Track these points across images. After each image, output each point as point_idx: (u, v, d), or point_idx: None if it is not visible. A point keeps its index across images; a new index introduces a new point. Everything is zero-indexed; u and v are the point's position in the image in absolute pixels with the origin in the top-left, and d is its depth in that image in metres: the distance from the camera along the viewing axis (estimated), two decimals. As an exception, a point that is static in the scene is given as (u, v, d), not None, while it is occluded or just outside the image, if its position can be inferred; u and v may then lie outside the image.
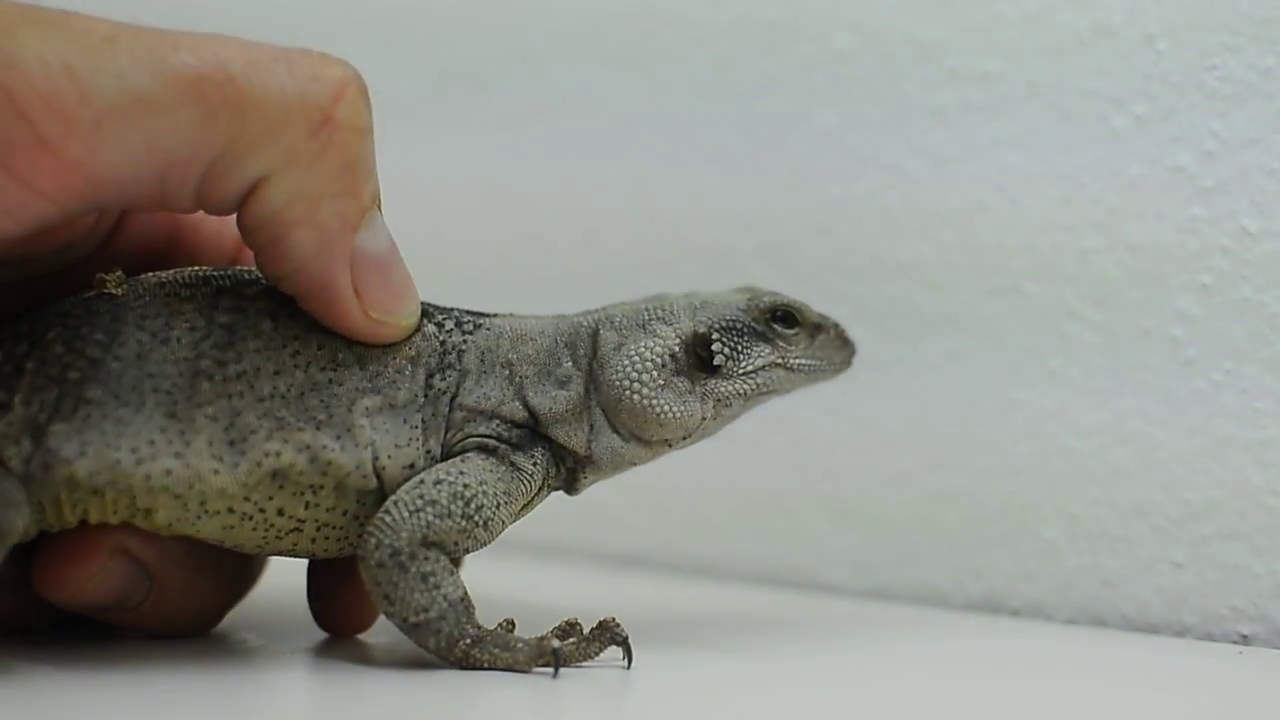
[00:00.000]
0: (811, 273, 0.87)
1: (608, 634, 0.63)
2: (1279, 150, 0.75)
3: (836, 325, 0.71)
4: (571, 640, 0.63)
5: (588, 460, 0.67)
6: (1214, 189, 0.76)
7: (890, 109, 0.85)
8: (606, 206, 0.94)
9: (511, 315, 0.68)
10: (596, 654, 0.63)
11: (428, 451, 0.64)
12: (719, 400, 0.67)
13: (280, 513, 0.62)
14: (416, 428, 0.64)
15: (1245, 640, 0.75)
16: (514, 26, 0.98)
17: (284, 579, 0.71)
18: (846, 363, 0.71)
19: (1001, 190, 0.82)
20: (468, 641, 0.61)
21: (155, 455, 0.60)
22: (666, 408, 0.66)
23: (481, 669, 0.62)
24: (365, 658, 0.67)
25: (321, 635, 0.70)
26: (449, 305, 0.67)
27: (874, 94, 0.86)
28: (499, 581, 0.72)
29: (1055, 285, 0.80)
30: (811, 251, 0.87)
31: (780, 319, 0.69)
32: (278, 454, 0.61)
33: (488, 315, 0.67)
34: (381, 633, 0.68)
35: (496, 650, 0.62)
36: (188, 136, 0.57)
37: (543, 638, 0.63)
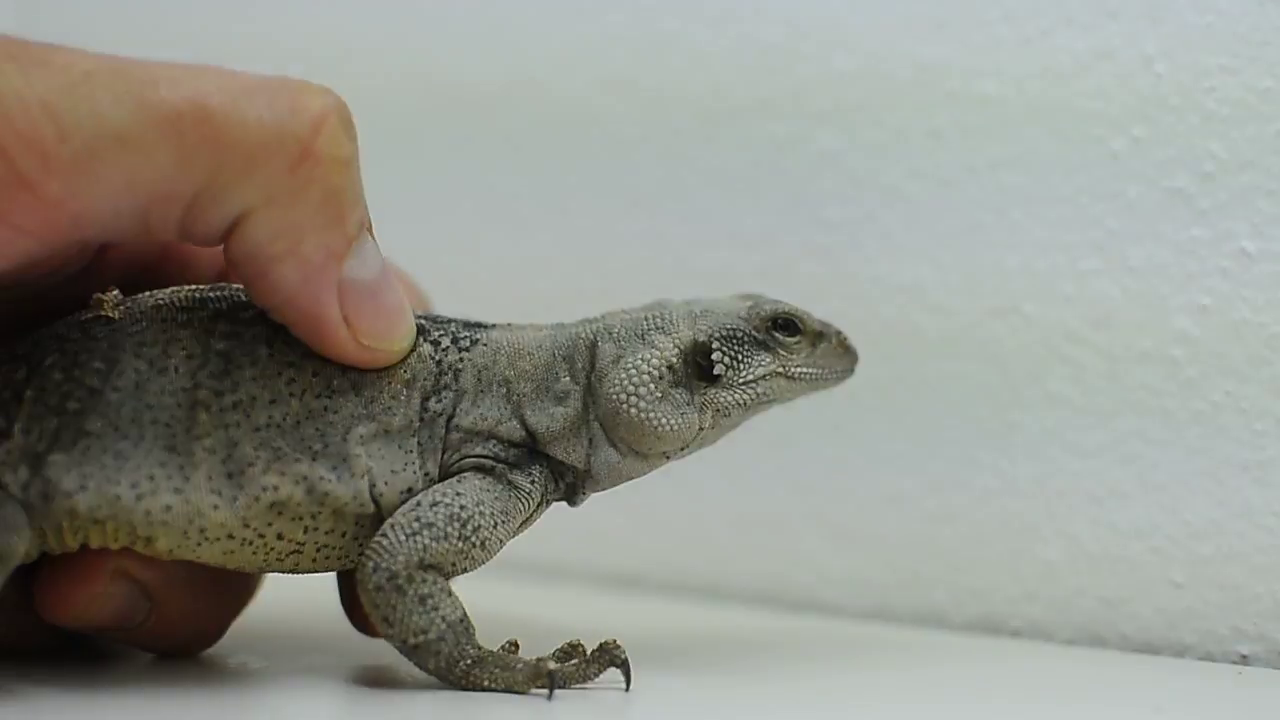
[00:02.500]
0: (811, 294, 0.86)
1: (607, 656, 0.63)
2: (1277, 172, 0.75)
3: (839, 333, 0.70)
4: (573, 662, 0.63)
5: (587, 475, 0.67)
6: (1212, 210, 0.76)
7: (889, 131, 0.85)
8: (606, 228, 0.94)
9: (509, 325, 0.67)
10: (595, 675, 0.63)
11: (425, 474, 0.64)
12: (718, 410, 0.67)
13: (279, 537, 0.62)
14: (412, 452, 0.64)
15: (1245, 660, 0.75)
16: (515, 49, 0.98)
17: (281, 597, 0.71)
18: (849, 370, 0.71)
19: (1000, 212, 0.82)
20: (468, 662, 0.61)
21: (155, 491, 0.61)
22: (664, 421, 0.65)
23: (481, 690, 0.62)
24: (366, 678, 0.67)
25: (322, 656, 0.70)
26: (446, 316, 0.67)
27: (873, 116, 0.86)
28: (499, 602, 0.72)
29: (1054, 306, 0.80)
30: (811, 273, 0.87)
31: (782, 327, 0.68)
32: (275, 488, 0.62)
33: (485, 327, 0.67)
34: (383, 655, 0.68)
35: (497, 671, 0.62)
36: (167, 173, 0.57)
37: (541, 659, 0.63)
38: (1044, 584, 0.80)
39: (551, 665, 0.62)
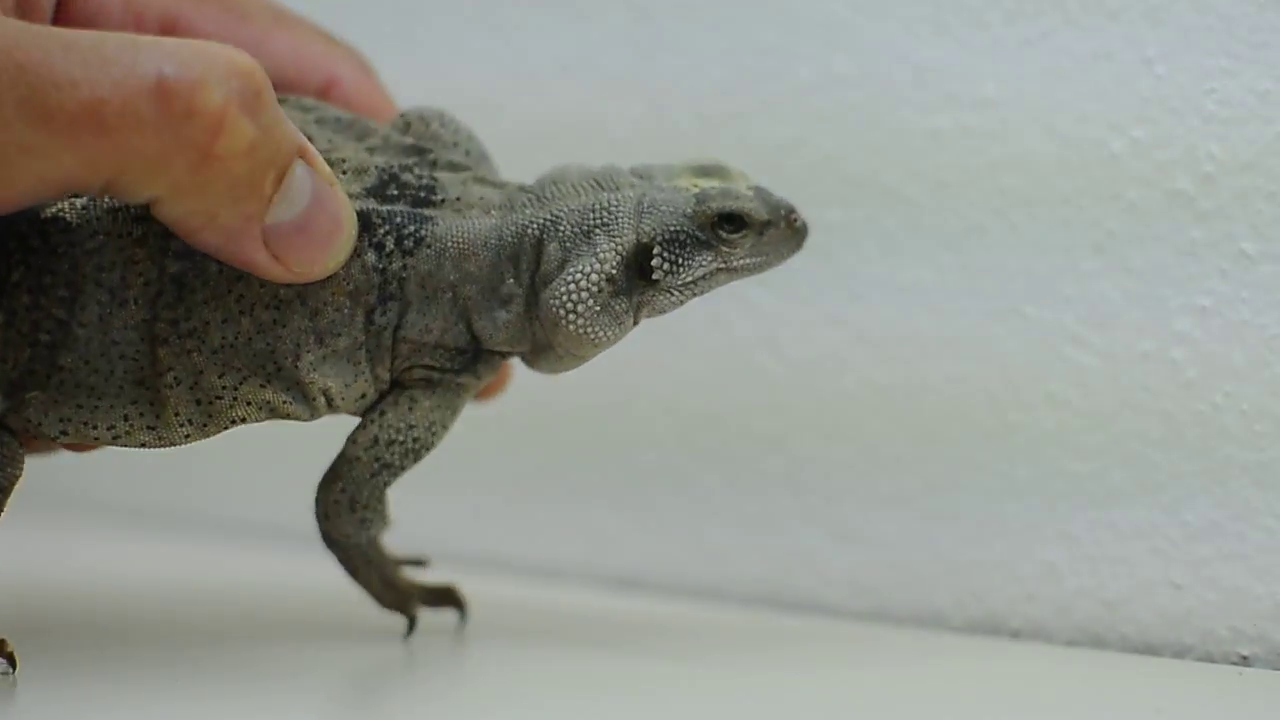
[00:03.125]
0: (810, 295, 0.87)
1: (449, 596, 0.72)
2: (1277, 173, 0.75)
3: (788, 213, 0.69)
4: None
5: (531, 361, 0.69)
6: (1212, 212, 0.76)
7: (888, 133, 0.85)
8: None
9: (458, 205, 0.67)
10: (435, 606, 0.72)
11: (376, 378, 0.66)
12: (654, 309, 0.68)
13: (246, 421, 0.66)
14: (361, 364, 0.66)
15: (1245, 661, 0.75)
16: (514, 52, 0.98)
17: (281, 593, 0.71)
18: (796, 248, 0.70)
19: (1000, 214, 0.82)
20: (363, 560, 0.69)
21: (131, 431, 0.64)
22: (601, 333, 0.66)
23: (357, 584, 0.69)
24: (364, 670, 0.67)
25: (321, 648, 0.70)
26: (398, 182, 0.66)
27: (872, 118, 0.86)
28: (497, 603, 0.72)
29: (1054, 308, 0.80)
30: (811, 274, 0.87)
31: (727, 221, 0.67)
32: (243, 419, 0.65)
33: (433, 210, 0.66)
34: (383, 648, 0.68)
35: (375, 582, 0.70)
36: (75, 174, 0.58)
37: (410, 596, 0.70)
38: (1044, 585, 0.80)
39: (417, 610, 0.70)
